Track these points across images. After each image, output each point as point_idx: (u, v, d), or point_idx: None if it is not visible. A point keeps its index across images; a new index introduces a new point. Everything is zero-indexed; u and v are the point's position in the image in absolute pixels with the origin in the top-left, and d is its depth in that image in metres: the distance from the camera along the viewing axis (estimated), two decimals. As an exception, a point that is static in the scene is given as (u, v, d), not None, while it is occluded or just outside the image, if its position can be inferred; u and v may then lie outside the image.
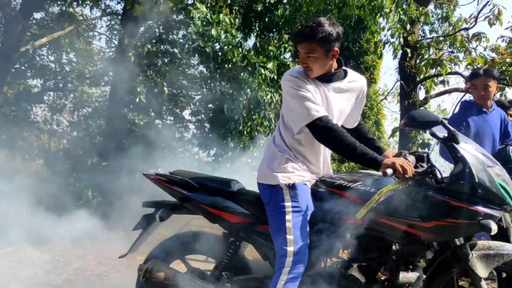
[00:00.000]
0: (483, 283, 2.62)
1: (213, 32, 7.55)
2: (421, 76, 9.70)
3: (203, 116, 9.06)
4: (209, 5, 7.82)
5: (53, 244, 5.55)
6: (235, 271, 2.88)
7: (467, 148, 2.55)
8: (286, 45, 7.95)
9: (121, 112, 8.15)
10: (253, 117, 7.84)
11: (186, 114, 9.40)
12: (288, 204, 2.61)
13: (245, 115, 7.77)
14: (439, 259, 2.75)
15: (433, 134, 2.62)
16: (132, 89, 7.70)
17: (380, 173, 2.62)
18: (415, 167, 2.50)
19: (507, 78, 8.33)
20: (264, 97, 7.63)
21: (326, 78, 2.70)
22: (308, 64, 2.63)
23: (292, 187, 2.63)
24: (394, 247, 2.72)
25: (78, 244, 5.61)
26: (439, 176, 2.58)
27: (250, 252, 2.98)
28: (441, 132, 2.58)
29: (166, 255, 3.00)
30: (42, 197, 6.23)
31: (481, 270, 2.60)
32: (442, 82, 9.75)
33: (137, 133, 8.17)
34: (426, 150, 2.81)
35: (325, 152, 2.80)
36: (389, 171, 2.39)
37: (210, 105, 8.90)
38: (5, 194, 5.72)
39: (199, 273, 2.91)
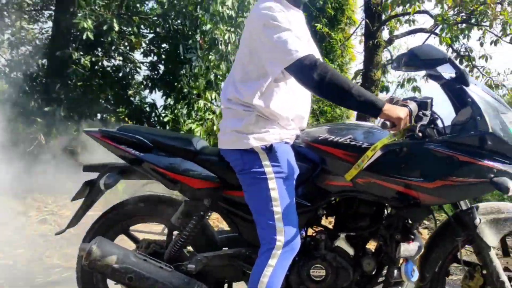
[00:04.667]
0: (492, 253, 2.25)
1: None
2: (388, 15, 9.22)
3: (155, 57, 8.43)
4: None
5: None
6: (199, 247, 2.41)
7: (478, 92, 2.13)
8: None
9: (65, 51, 7.38)
10: (210, 57, 7.22)
11: (137, 54, 8.74)
12: (268, 169, 2.13)
13: (201, 56, 7.17)
14: (439, 226, 2.38)
15: (434, 76, 2.22)
16: (77, 25, 6.90)
17: (372, 124, 2.19)
18: (418, 116, 2.06)
19: (478, 18, 7.96)
20: (221, 37, 7.01)
21: (299, 3, 2.27)
22: None
23: (269, 149, 2.15)
24: (388, 212, 2.33)
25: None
26: (440, 125, 2.19)
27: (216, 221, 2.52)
28: (447, 72, 2.17)
29: (109, 228, 2.49)
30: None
31: (491, 237, 2.24)
32: (408, 21, 9.34)
33: (84, 74, 7.48)
34: (429, 97, 2.31)
35: (302, 102, 2.32)
36: (390, 124, 1.97)
37: (164, 45, 8.30)
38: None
39: (153, 249, 2.43)
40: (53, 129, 7.02)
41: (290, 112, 2.23)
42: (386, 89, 10.79)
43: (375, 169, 2.13)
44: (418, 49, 2.07)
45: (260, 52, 2.12)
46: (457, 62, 2.14)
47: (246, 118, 2.17)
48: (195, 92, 7.81)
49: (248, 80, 2.19)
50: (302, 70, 2.01)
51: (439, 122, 2.19)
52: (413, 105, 2.07)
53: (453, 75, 2.14)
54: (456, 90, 2.14)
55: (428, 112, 2.09)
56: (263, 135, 2.15)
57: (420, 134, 2.04)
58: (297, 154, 2.27)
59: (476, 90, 2.12)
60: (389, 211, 2.34)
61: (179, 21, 7.82)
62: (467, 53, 9.42)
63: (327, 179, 2.26)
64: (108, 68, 8.40)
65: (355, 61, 11.67)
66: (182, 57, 7.58)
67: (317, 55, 2.19)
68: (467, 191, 2.12)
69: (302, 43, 2.07)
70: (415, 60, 2.05)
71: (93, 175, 2.47)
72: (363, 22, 9.84)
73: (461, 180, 2.06)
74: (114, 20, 7.13)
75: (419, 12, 8.52)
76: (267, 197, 2.10)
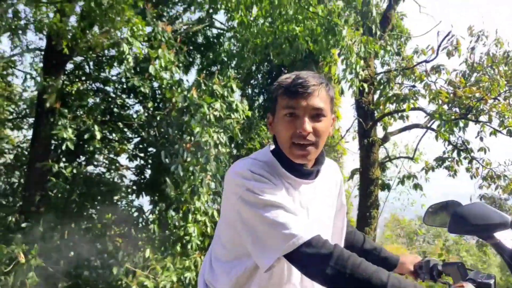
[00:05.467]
0: None
1: (151, 69, 6.62)
2: (380, 112, 9.00)
3: (142, 161, 8.07)
4: (145, 39, 6.87)
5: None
6: None
7: None
8: (233, 83, 7.09)
9: (45, 163, 7.00)
10: (198, 160, 6.86)
11: (123, 159, 8.39)
12: None
13: (185, 161, 6.80)
14: None
15: (486, 236, 1.77)
16: (57, 133, 6.58)
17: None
18: None
19: (476, 113, 7.72)
20: (209, 141, 6.70)
21: (305, 172, 1.68)
22: (317, 131, 1.60)
23: None
24: None
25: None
26: None
27: None
28: (508, 237, 1.71)
29: None
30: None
31: None
32: (401, 117, 9.11)
33: (65, 188, 7.04)
34: (491, 276, 1.76)
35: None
36: None
37: (150, 149, 7.99)
38: None
39: None
40: (34, 246, 6.53)
41: None
42: (387, 187, 10.36)
43: None
44: (467, 210, 1.64)
45: (240, 230, 1.57)
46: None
47: None
48: (182, 199, 7.41)
49: (224, 258, 1.66)
50: (307, 261, 1.46)
51: None
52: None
53: None
54: None
55: None
56: None
57: None
58: None
59: None
60: None
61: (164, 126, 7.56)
62: (464, 146, 9.13)
63: None
64: (92, 175, 8.02)
65: (347, 155, 11.42)
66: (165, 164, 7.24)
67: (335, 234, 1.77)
68: None
69: (299, 220, 1.50)
70: (464, 224, 1.63)
71: None
72: (355, 120, 9.61)
73: None
74: (96, 127, 6.82)
75: (414, 109, 8.28)
76: None
